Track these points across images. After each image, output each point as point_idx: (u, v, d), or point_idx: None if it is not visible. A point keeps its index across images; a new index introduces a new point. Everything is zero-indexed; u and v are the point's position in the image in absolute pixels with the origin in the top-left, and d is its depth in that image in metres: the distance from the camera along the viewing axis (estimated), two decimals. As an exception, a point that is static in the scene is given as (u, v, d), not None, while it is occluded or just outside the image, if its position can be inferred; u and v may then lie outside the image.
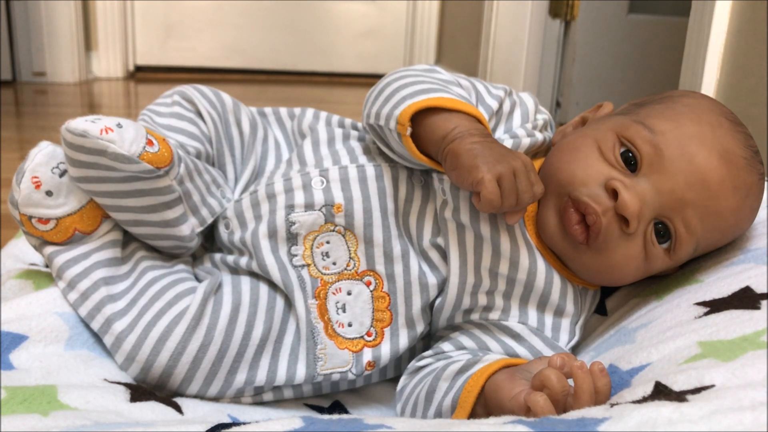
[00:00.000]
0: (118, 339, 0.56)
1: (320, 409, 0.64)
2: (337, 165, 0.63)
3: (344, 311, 0.61)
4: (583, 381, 0.47)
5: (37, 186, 0.56)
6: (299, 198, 0.61)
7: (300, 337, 0.60)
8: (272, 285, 0.61)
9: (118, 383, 0.54)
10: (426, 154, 0.57)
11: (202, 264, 0.66)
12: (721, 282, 0.56)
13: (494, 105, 0.64)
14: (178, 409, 0.54)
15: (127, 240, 0.63)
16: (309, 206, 0.61)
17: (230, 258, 0.64)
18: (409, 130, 0.55)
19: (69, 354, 0.55)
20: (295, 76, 2.96)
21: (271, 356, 0.60)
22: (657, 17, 2.11)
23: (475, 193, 0.52)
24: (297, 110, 0.74)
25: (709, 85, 1.21)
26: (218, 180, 0.66)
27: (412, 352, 0.66)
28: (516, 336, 0.60)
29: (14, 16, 2.42)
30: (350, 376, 0.61)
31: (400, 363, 0.66)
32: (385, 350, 0.61)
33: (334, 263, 0.61)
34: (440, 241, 0.61)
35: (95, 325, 0.57)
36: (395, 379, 0.65)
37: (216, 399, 0.60)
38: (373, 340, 0.61)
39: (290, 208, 0.61)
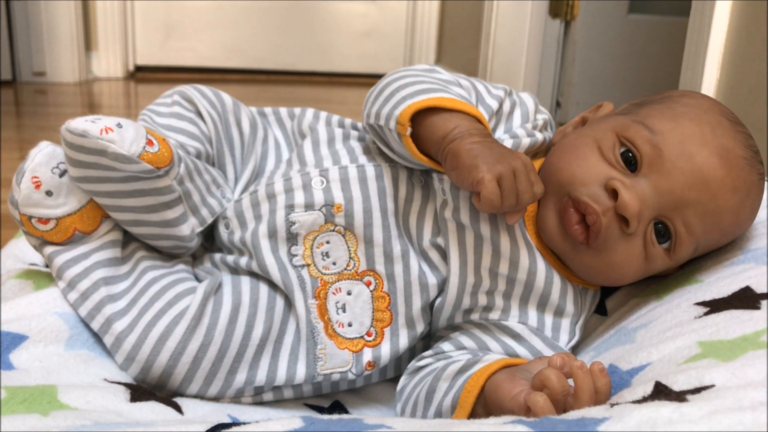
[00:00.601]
0: (118, 339, 0.56)
1: (320, 409, 0.64)
2: (337, 165, 0.63)
3: (344, 311, 0.61)
4: (583, 381, 0.47)
5: (37, 186, 0.56)
6: (299, 198, 0.61)
7: (300, 337, 0.60)
8: (272, 285, 0.61)
9: (118, 383, 0.54)
10: (426, 154, 0.57)
11: (202, 264, 0.66)
12: (721, 282, 0.56)
13: (494, 105, 0.64)
14: (178, 409, 0.54)
15: (127, 240, 0.63)
16: (309, 206, 0.61)
17: (230, 258, 0.64)
18: (409, 130, 0.55)
19: (69, 354, 0.55)
20: (295, 76, 2.96)
21: (271, 356, 0.60)
22: (657, 17, 2.11)
23: (475, 193, 0.52)
24: (297, 110, 0.74)
25: (709, 85, 1.21)
26: (218, 180, 0.66)
27: (412, 352, 0.66)
28: (516, 336, 0.60)
29: (14, 16, 2.42)
30: (350, 376, 0.61)
31: (400, 363, 0.66)
32: (385, 350, 0.61)
33: (334, 263, 0.61)
34: (440, 241, 0.61)
35: (95, 325, 0.57)
36: (395, 379, 0.65)
37: (216, 399, 0.60)
38: (373, 340, 0.61)
39: (290, 208, 0.61)
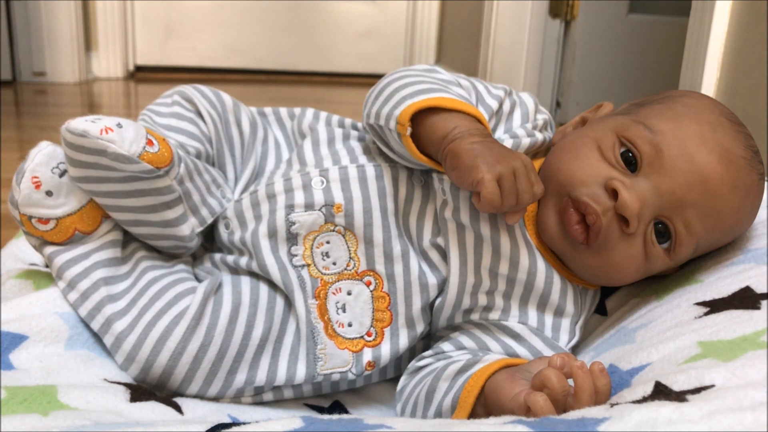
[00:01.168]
0: (118, 339, 0.56)
1: (320, 409, 0.64)
2: (337, 165, 0.63)
3: (344, 311, 0.61)
4: (583, 381, 0.47)
5: (37, 186, 0.56)
6: (299, 198, 0.61)
7: (300, 337, 0.60)
8: (272, 285, 0.61)
9: (118, 383, 0.54)
10: (426, 154, 0.57)
11: (202, 264, 0.66)
12: (721, 282, 0.56)
13: (494, 105, 0.64)
14: (178, 409, 0.54)
15: (127, 240, 0.63)
16: (309, 206, 0.61)
17: (230, 258, 0.64)
18: (409, 130, 0.55)
19: (69, 354, 0.55)
20: (295, 76, 2.96)
21: (271, 356, 0.60)
22: (657, 17, 2.11)
23: (475, 193, 0.52)
24: (297, 110, 0.74)
25: (709, 85, 1.21)
26: (218, 180, 0.66)
27: (412, 352, 0.66)
28: (516, 336, 0.60)
29: (14, 16, 2.42)
30: (350, 376, 0.61)
31: (400, 363, 0.66)
32: (385, 350, 0.61)
33: (334, 263, 0.61)
34: (440, 241, 0.61)
35: (95, 325, 0.57)
36: (395, 379, 0.65)
37: (216, 399, 0.60)
38: (373, 340, 0.61)
39: (290, 208, 0.61)
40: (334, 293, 0.61)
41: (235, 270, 0.63)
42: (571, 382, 0.47)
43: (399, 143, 0.57)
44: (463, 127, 0.54)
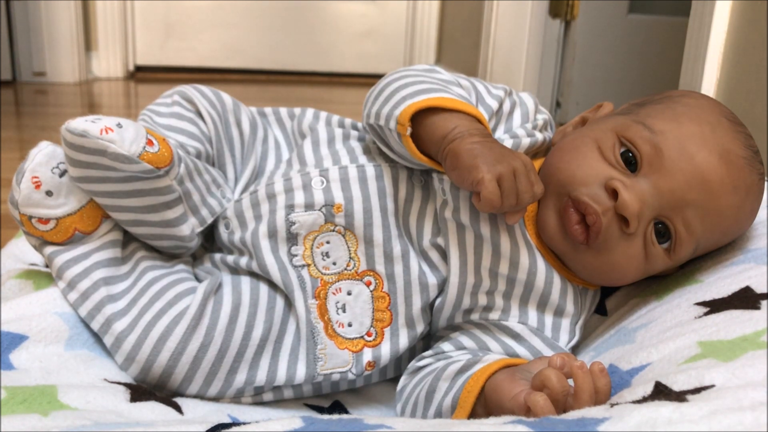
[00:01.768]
0: (118, 339, 0.56)
1: (320, 409, 0.64)
2: (337, 165, 0.63)
3: (344, 311, 0.61)
4: (583, 381, 0.47)
5: (37, 186, 0.56)
6: (299, 198, 0.61)
7: (300, 337, 0.60)
8: (272, 285, 0.61)
9: (118, 383, 0.54)
10: (426, 154, 0.57)
11: (202, 264, 0.66)
12: (721, 282, 0.56)
13: (494, 105, 0.64)
14: (178, 409, 0.54)
15: (127, 240, 0.63)
16: (309, 206, 0.61)
17: (230, 258, 0.64)
18: (409, 130, 0.55)
19: (69, 354, 0.55)
20: (295, 76, 2.96)
21: (271, 356, 0.60)
22: (657, 17, 2.11)
23: (475, 193, 0.52)
24: (297, 110, 0.74)
25: (709, 85, 1.21)
26: (218, 180, 0.66)
27: (412, 352, 0.66)
28: (516, 336, 0.60)
29: (14, 16, 2.42)
30: (350, 376, 0.61)
31: (400, 363, 0.66)
32: (385, 350, 0.61)
33: (334, 263, 0.61)
34: (440, 241, 0.61)
35: (95, 325, 0.57)
36: (395, 379, 0.65)
37: (216, 399, 0.60)
38: (373, 340, 0.61)
39: (290, 208, 0.61)
40: (334, 293, 0.61)
41: (235, 270, 0.63)
42: (571, 382, 0.47)
43: (399, 143, 0.57)
44: (463, 127, 0.54)
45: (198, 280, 0.64)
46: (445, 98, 0.56)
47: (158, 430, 0.42)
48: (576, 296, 0.62)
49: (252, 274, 0.62)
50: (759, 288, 0.53)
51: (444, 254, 0.61)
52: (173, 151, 0.58)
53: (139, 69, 2.83)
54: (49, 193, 0.56)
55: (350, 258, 0.61)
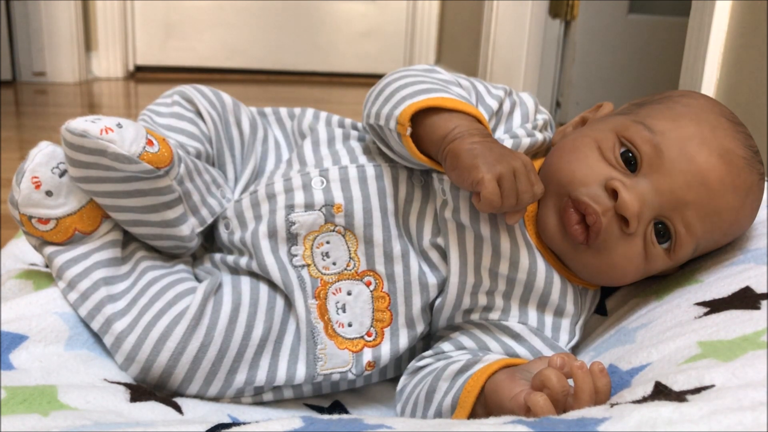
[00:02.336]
0: (118, 339, 0.56)
1: (320, 409, 0.64)
2: (337, 165, 0.63)
3: (344, 311, 0.61)
4: (583, 381, 0.47)
5: (37, 186, 0.56)
6: (299, 198, 0.61)
7: (300, 337, 0.60)
8: (272, 285, 0.61)
9: (118, 383, 0.54)
10: (426, 154, 0.57)
11: (202, 264, 0.66)
12: (721, 282, 0.56)
13: (494, 105, 0.64)
14: (178, 409, 0.54)
15: (127, 240, 0.63)
16: (309, 206, 0.61)
17: (230, 258, 0.64)
18: (409, 130, 0.55)
19: (69, 354, 0.55)
20: (295, 76, 2.96)
21: (271, 356, 0.60)
22: (657, 17, 2.11)
23: (475, 193, 0.52)
24: (297, 110, 0.74)
25: (709, 85, 1.21)
26: (218, 180, 0.66)
27: (412, 352, 0.66)
28: (516, 336, 0.60)
29: (14, 16, 2.42)
30: (350, 376, 0.61)
31: (400, 363, 0.66)
32: (385, 350, 0.61)
33: (334, 263, 0.61)
34: (440, 241, 0.61)
35: (95, 325, 0.57)
36: (395, 379, 0.65)
37: (216, 399, 0.60)
38: (373, 340, 0.61)
39: (290, 208, 0.61)
40: (334, 293, 0.61)
41: (235, 270, 0.63)
42: (571, 382, 0.47)
43: (399, 143, 0.57)
44: (463, 127, 0.54)
45: (198, 280, 0.64)
46: (445, 98, 0.56)
47: (158, 430, 0.42)
48: (576, 296, 0.62)
49: (252, 274, 0.62)
50: (759, 288, 0.53)
51: (444, 254, 0.61)
52: (173, 151, 0.57)
53: (139, 69, 2.83)
54: (49, 193, 0.56)
55: (350, 258, 0.61)
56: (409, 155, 0.57)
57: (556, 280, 0.60)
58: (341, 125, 0.70)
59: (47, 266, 0.60)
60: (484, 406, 0.53)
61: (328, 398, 0.66)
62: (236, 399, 0.61)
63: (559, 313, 0.61)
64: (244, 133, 0.70)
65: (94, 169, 0.55)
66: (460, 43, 2.64)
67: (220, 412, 0.58)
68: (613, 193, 0.55)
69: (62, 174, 0.57)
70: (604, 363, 0.50)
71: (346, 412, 0.64)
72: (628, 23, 2.12)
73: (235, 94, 0.74)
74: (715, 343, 0.47)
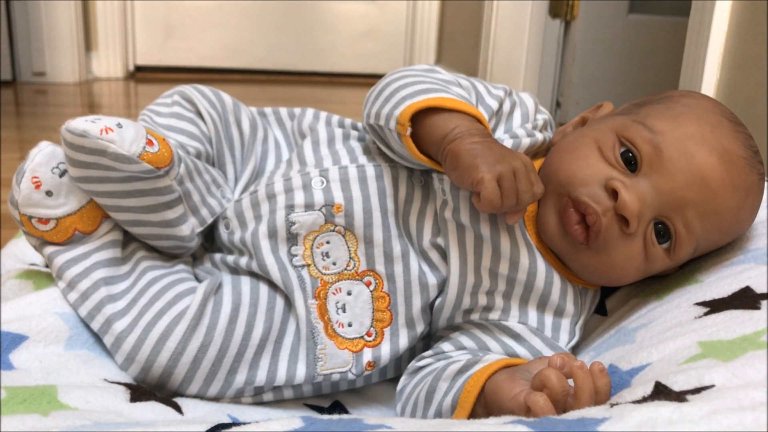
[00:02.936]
0: (118, 339, 0.56)
1: (320, 409, 0.64)
2: (337, 165, 0.63)
3: (344, 311, 0.61)
4: (583, 381, 0.47)
5: (37, 186, 0.56)
6: (299, 198, 0.61)
7: (300, 337, 0.60)
8: (272, 285, 0.61)
9: (118, 383, 0.54)
10: (426, 154, 0.57)
11: (202, 264, 0.66)
12: (721, 282, 0.56)
13: (494, 105, 0.64)
14: (178, 409, 0.54)
15: (127, 240, 0.63)
16: (309, 206, 0.61)
17: (230, 258, 0.64)
18: (409, 130, 0.55)
19: (69, 354, 0.55)
20: (295, 76, 2.96)
21: (271, 356, 0.60)
22: (657, 17, 2.11)
23: (475, 193, 0.52)
24: (297, 110, 0.74)
25: (709, 85, 1.21)
26: (218, 180, 0.66)
27: (412, 352, 0.66)
28: (516, 336, 0.60)
29: (14, 16, 2.42)
30: (350, 376, 0.61)
31: (400, 363, 0.66)
32: (385, 350, 0.61)
33: (334, 263, 0.61)
34: (440, 241, 0.61)
35: (95, 325, 0.57)
36: (395, 379, 0.65)
37: (216, 399, 0.60)
38: (373, 340, 0.61)
39: (290, 208, 0.61)
40: (334, 293, 0.61)
41: (235, 270, 0.63)
42: (571, 382, 0.47)
43: (399, 143, 0.57)
44: (463, 127, 0.54)
45: (198, 280, 0.64)
46: (445, 98, 0.56)
47: (158, 430, 0.42)
48: (576, 296, 0.62)
49: (252, 274, 0.62)
50: (759, 288, 0.53)
51: (444, 254, 0.61)
52: (173, 151, 0.58)
53: (139, 69, 2.83)
54: (49, 193, 0.56)
55: (350, 258, 0.61)
56: (409, 155, 0.57)
57: (556, 280, 0.60)
58: (341, 125, 0.70)
59: (47, 266, 0.60)
60: (484, 406, 0.53)
61: (328, 398, 0.66)
62: (236, 399, 0.61)
63: (559, 313, 0.61)
64: (244, 133, 0.70)
65: (94, 169, 0.55)
66: (460, 43, 2.64)
67: (220, 412, 0.58)
68: (613, 193, 0.55)
69: (62, 174, 0.57)
70: (604, 363, 0.50)
71: (346, 412, 0.64)
72: (628, 23, 2.12)
73: (235, 94, 0.74)
74: (715, 343, 0.47)
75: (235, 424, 0.42)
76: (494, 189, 0.51)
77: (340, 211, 0.60)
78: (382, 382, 0.68)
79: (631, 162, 0.56)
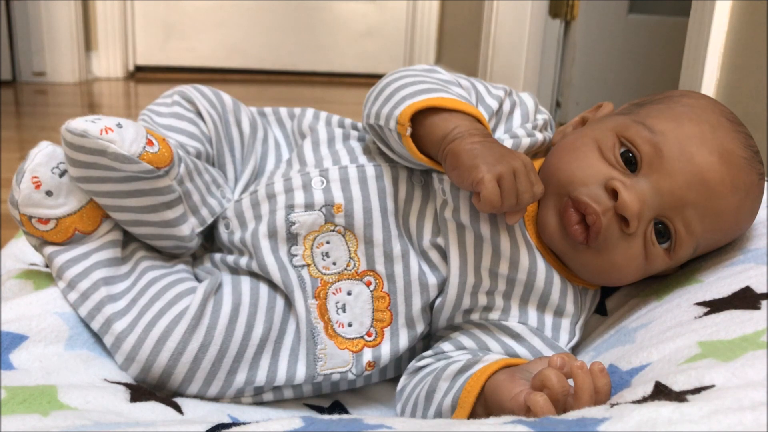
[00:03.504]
0: (118, 339, 0.57)
1: (320, 409, 0.64)
2: (337, 165, 0.63)
3: (344, 311, 0.61)
4: (583, 381, 0.47)
5: (37, 186, 0.56)
6: (299, 198, 0.61)
7: (300, 337, 0.60)
8: (272, 285, 0.61)
9: (118, 383, 0.54)
10: (426, 154, 0.57)
11: (202, 264, 0.66)
12: (721, 282, 0.56)
13: (494, 105, 0.64)
14: (178, 409, 0.54)
15: (127, 240, 0.63)
16: (309, 206, 0.61)
17: (230, 258, 0.64)
18: (409, 130, 0.55)
19: (69, 354, 0.55)
20: (295, 76, 2.96)
21: (271, 356, 0.60)
22: (657, 17, 2.11)
23: (475, 193, 0.52)
24: (297, 110, 0.74)
25: (709, 85, 1.21)
26: (218, 180, 0.66)
27: (412, 352, 0.66)
28: (516, 336, 0.60)
29: (14, 16, 2.42)
30: (350, 376, 0.61)
31: (400, 363, 0.66)
32: (385, 350, 0.61)
33: (334, 263, 0.61)
34: (440, 241, 0.61)
35: (95, 325, 0.57)
36: (395, 379, 0.65)
37: (216, 399, 0.60)
38: (373, 340, 0.61)
39: (290, 208, 0.61)
40: (334, 293, 0.61)
41: (235, 270, 0.63)
42: (571, 382, 0.47)
43: (399, 143, 0.57)
44: (463, 127, 0.54)
45: (198, 280, 0.64)
46: (445, 98, 0.56)
47: (158, 430, 0.42)
48: (576, 296, 0.62)
49: (252, 274, 0.62)
50: (759, 288, 0.53)
51: (444, 254, 0.61)
52: (173, 151, 0.58)
53: (139, 69, 2.83)
54: (49, 193, 0.56)
55: (350, 258, 0.61)
56: (409, 155, 0.57)
57: (556, 280, 0.60)
58: (341, 125, 0.70)
59: (47, 266, 0.60)
60: (484, 406, 0.53)
61: (328, 398, 0.66)
62: (236, 399, 0.61)
63: (559, 313, 0.61)
64: (244, 133, 0.70)
65: (94, 169, 0.55)
66: (460, 43, 2.64)
67: (220, 412, 0.58)
68: (613, 193, 0.55)
69: (62, 174, 0.57)
70: (604, 363, 0.50)
71: (346, 412, 0.64)
72: (628, 23, 2.12)
73: (235, 94, 0.74)
74: (715, 343, 0.47)
75: (235, 424, 0.42)
76: (494, 189, 0.51)
77: (340, 211, 0.60)
78: (382, 382, 0.68)
79: (631, 162, 0.56)
